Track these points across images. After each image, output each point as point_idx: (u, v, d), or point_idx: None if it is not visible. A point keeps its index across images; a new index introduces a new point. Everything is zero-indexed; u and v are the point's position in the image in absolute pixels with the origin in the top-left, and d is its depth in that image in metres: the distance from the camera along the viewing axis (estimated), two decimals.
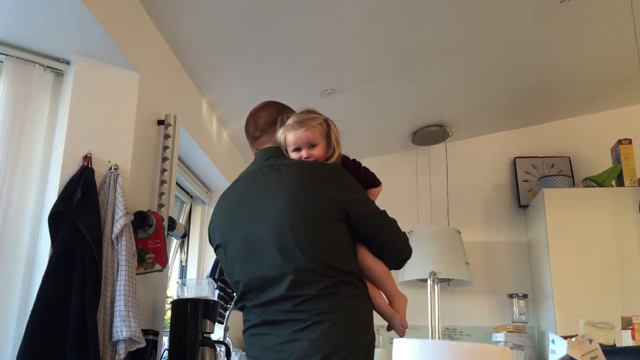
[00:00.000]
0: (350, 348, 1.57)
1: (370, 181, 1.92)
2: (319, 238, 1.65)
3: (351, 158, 1.92)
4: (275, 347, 1.63)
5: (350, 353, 1.57)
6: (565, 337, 0.95)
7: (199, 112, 3.15)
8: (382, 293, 1.82)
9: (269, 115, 1.89)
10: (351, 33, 2.85)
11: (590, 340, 0.96)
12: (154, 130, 2.50)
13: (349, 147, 4.53)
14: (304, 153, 1.79)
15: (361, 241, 1.75)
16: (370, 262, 1.77)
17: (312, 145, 1.79)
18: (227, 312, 2.96)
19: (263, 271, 1.68)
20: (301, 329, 1.59)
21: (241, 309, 1.81)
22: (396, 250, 1.79)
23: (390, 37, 2.93)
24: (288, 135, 1.79)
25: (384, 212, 1.79)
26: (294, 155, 1.80)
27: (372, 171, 1.95)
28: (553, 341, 0.99)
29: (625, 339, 2.53)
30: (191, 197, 3.60)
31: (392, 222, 1.79)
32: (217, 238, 1.86)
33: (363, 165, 1.94)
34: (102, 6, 2.04)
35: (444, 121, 4.08)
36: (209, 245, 3.70)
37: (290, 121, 1.81)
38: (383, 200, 1.88)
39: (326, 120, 1.84)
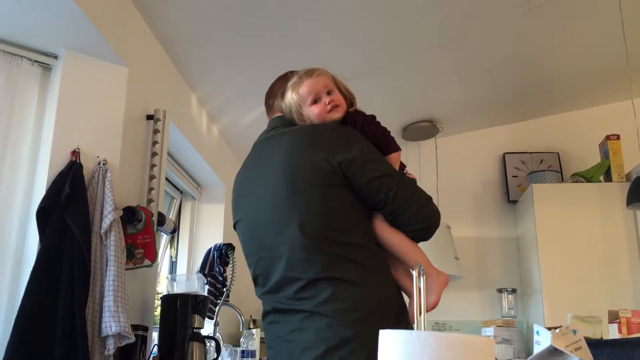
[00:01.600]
0: (362, 339, 1.42)
1: (380, 143, 1.63)
2: (314, 208, 1.49)
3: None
4: (286, 335, 1.54)
5: (360, 345, 1.42)
6: (549, 329, 0.96)
7: (189, 107, 3.14)
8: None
9: (284, 81, 1.73)
10: (341, 28, 2.85)
11: (574, 331, 0.97)
12: (143, 125, 2.50)
13: None
14: (326, 99, 1.61)
15: (372, 209, 1.56)
16: (386, 234, 1.57)
17: (329, 92, 1.62)
18: (217, 307, 2.96)
19: (264, 252, 1.58)
20: (306, 317, 1.49)
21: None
22: (412, 218, 1.53)
23: (380, 32, 2.94)
24: (301, 89, 1.62)
25: (395, 173, 1.56)
26: (315, 109, 1.61)
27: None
28: (538, 332, 1.00)
29: (612, 333, 2.55)
30: (181, 192, 3.59)
31: (406, 185, 1.55)
32: (234, 216, 1.75)
33: (380, 124, 1.67)
34: (91, 0, 2.03)
35: (434, 117, 4.09)
36: (199, 240, 3.72)
37: (295, 78, 1.65)
38: None
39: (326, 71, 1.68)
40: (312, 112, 1.62)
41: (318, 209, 1.50)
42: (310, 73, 1.64)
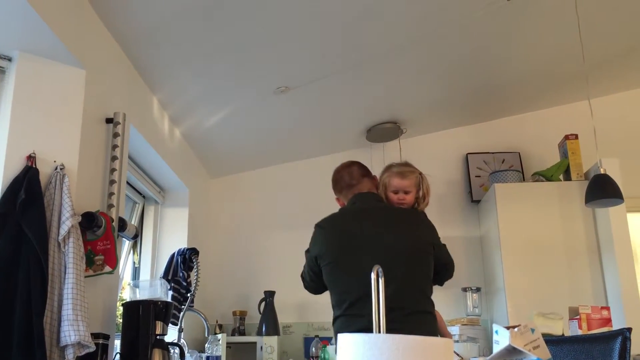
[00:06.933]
0: None
1: None
2: (427, 265, 2.22)
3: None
4: None
5: None
6: (508, 328, 0.97)
7: (150, 111, 3.09)
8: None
9: (360, 170, 2.45)
10: (302, 31, 2.85)
11: (533, 330, 0.98)
12: (102, 129, 2.44)
13: (304, 145, 4.52)
14: (401, 196, 2.37)
15: (435, 270, 2.29)
16: None
17: (406, 192, 2.36)
18: (181, 312, 2.92)
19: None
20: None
21: (338, 316, 2.22)
22: (452, 271, 2.41)
23: (343, 34, 2.94)
24: (392, 180, 2.37)
25: (445, 245, 2.39)
26: (392, 195, 2.37)
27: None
28: (497, 332, 1.01)
29: (573, 329, 2.61)
30: (143, 197, 3.53)
31: (449, 252, 2.39)
32: (329, 255, 2.26)
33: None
34: (45, 0, 1.98)
35: (397, 118, 4.12)
36: (163, 245, 3.66)
37: (394, 169, 2.38)
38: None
39: (420, 174, 2.40)
40: (389, 197, 2.39)
41: (428, 266, 2.25)
42: (403, 175, 2.37)
